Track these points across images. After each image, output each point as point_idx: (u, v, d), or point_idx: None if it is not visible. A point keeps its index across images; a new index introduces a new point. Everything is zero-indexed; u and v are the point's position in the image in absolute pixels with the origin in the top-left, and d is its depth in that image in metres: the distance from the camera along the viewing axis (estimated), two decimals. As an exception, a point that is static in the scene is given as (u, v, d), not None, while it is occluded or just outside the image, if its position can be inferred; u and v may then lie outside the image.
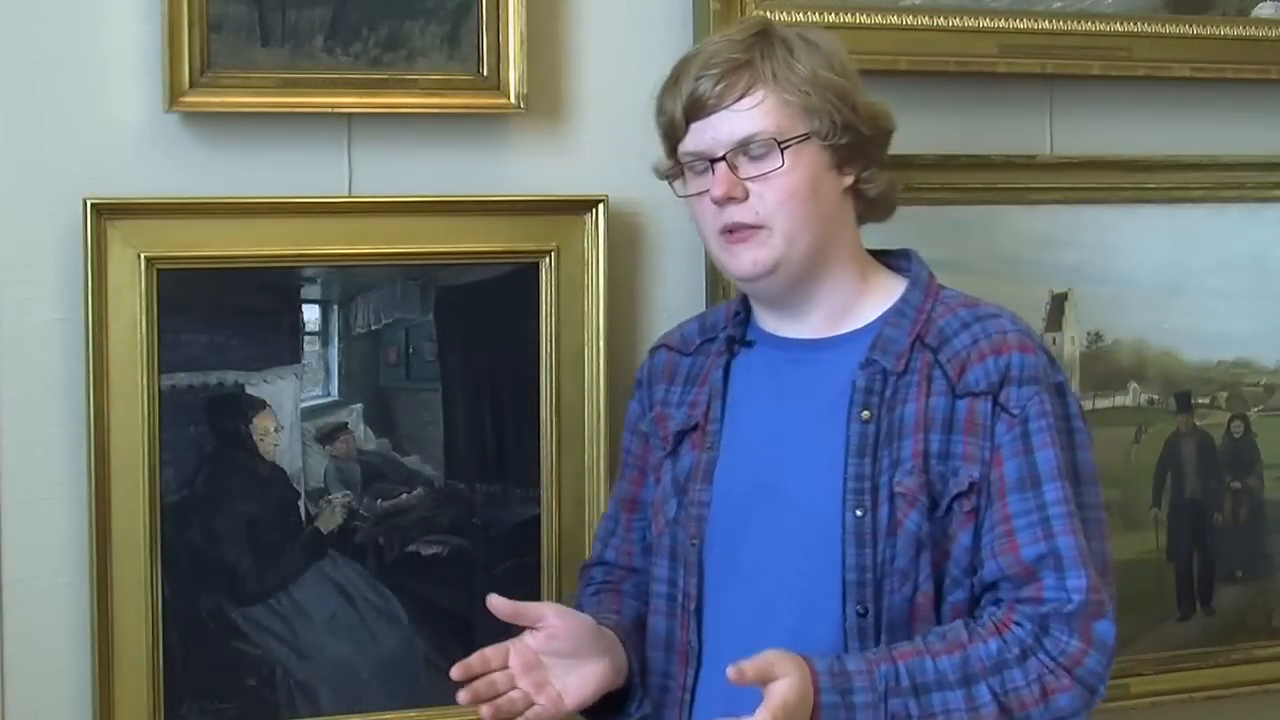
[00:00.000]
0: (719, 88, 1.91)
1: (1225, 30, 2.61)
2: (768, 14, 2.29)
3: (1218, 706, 2.66)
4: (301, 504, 2.24)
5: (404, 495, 2.28)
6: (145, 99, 2.17)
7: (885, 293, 1.99)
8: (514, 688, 1.91)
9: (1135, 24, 2.56)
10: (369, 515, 2.26)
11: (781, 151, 1.90)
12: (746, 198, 1.92)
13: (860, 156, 1.96)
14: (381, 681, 2.27)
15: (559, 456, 2.33)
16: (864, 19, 2.29)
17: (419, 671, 2.28)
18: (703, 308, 2.38)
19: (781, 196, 1.91)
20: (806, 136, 1.92)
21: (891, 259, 2.04)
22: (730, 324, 2.05)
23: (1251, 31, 2.63)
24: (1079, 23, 2.53)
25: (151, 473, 2.16)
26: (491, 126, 2.32)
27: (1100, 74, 2.54)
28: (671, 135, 1.97)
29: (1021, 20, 2.50)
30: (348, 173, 2.27)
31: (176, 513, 2.18)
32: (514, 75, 2.27)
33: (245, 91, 2.18)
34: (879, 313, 1.97)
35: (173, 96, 2.15)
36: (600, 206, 2.31)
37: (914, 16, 2.41)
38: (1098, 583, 1.86)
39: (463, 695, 1.89)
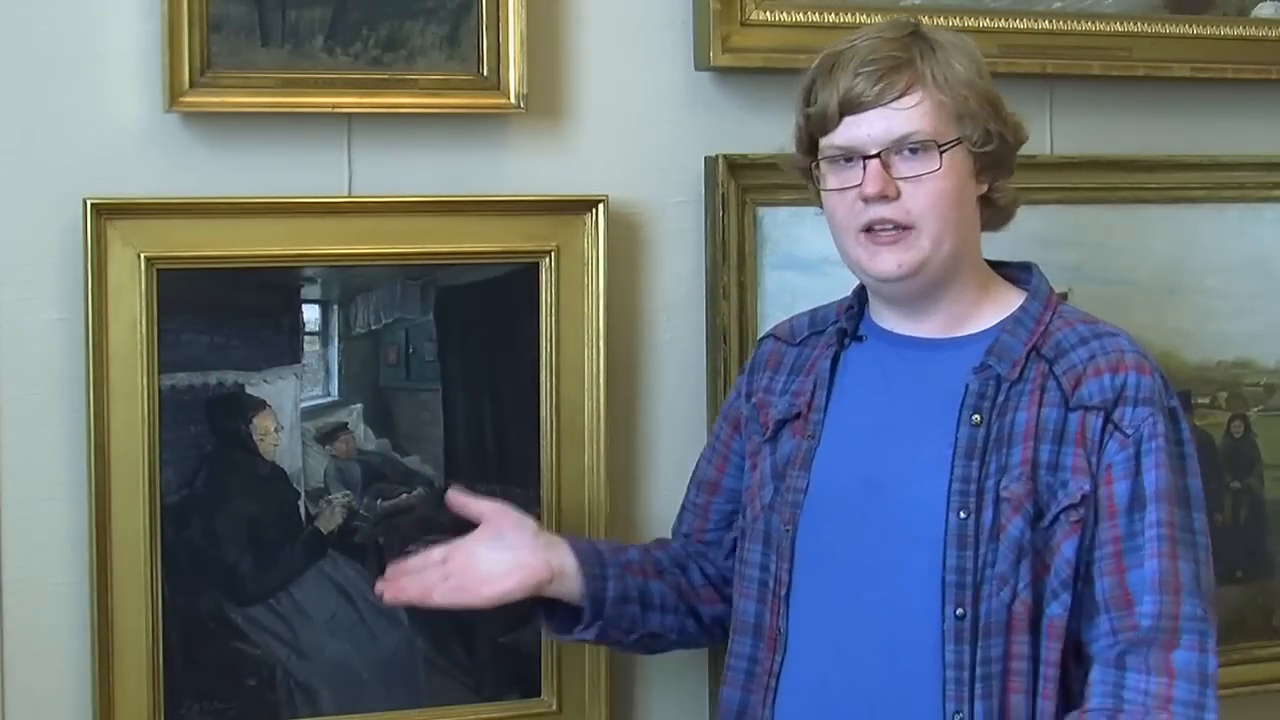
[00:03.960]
0: (878, 85, 1.91)
1: (1225, 30, 2.61)
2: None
3: (1218, 706, 2.66)
4: (301, 504, 2.24)
5: (404, 495, 2.28)
6: (145, 99, 2.17)
7: (1004, 302, 2.00)
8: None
9: (1135, 24, 2.56)
10: (369, 515, 2.26)
11: (940, 154, 1.91)
12: (898, 196, 1.92)
13: (997, 165, 1.98)
14: (381, 681, 2.27)
15: (559, 456, 2.33)
16: (864, 19, 2.29)
17: (419, 671, 2.28)
18: (703, 307, 2.38)
19: (934, 199, 1.92)
20: (959, 141, 1.92)
21: (1011, 270, 2.05)
22: (842, 317, 2.06)
23: (1251, 31, 2.63)
24: (1079, 23, 2.53)
25: (151, 473, 2.16)
26: (491, 126, 2.31)
27: (1100, 74, 2.54)
28: (819, 127, 1.96)
29: (1021, 20, 2.50)
30: (348, 173, 2.27)
31: (176, 513, 2.18)
32: (514, 75, 2.27)
33: (245, 91, 2.18)
34: (996, 320, 1.98)
35: (173, 96, 2.15)
36: (600, 206, 2.31)
37: (914, 17, 2.40)
38: (1173, 609, 1.86)
39: (381, 587, 2.05)
